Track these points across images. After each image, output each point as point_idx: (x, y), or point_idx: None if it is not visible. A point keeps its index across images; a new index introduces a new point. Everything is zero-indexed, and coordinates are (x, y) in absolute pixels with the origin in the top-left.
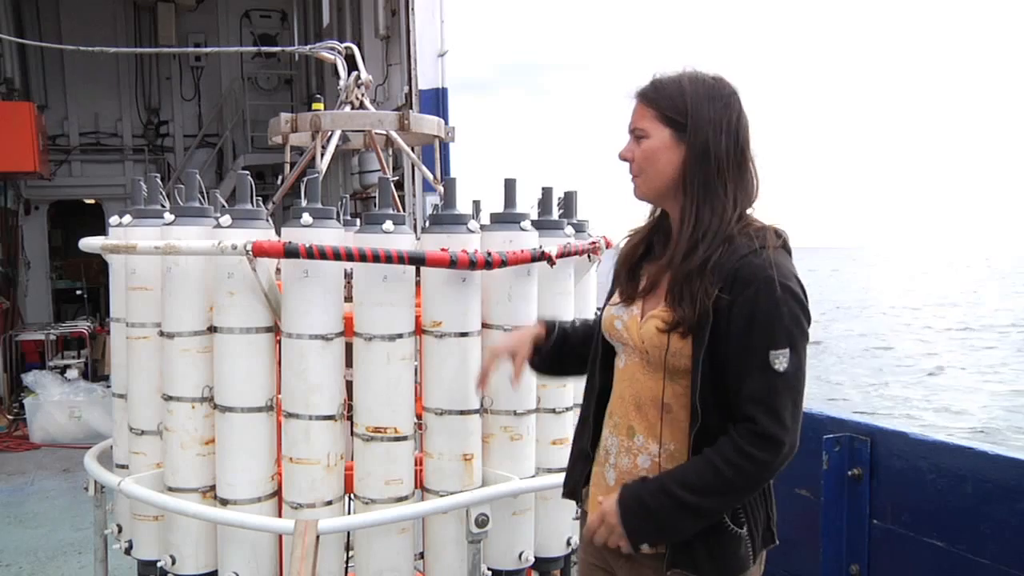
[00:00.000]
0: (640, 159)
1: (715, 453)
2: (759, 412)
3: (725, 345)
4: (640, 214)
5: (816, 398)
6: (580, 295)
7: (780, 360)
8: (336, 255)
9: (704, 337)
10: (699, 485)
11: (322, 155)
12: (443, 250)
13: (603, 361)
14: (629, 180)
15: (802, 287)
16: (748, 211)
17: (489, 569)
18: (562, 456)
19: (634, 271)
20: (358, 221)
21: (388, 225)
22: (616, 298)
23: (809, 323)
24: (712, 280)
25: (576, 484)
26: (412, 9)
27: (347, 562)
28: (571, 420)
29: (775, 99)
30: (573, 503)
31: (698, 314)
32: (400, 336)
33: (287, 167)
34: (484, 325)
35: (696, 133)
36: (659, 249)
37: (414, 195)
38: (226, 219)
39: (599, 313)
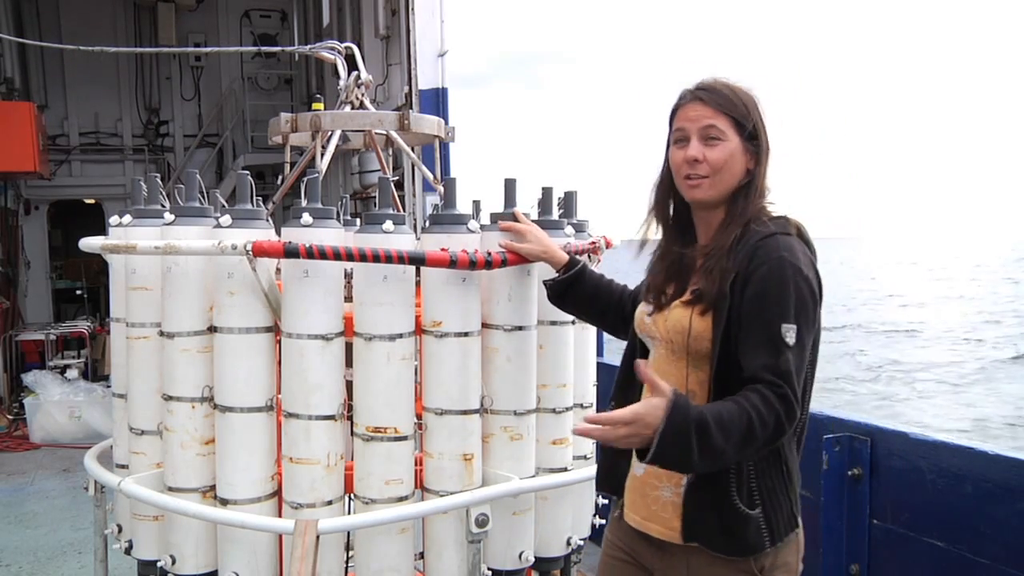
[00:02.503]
0: (716, 162)
1: (750, 405)
2: (776, 378)
3: (739, 321)
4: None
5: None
6: None
7: (790, 334)
8: (336, 255)
9: (723, 315)
10: (734, 433)
11: (322, 155)
12: (443, 250)
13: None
14: (685, 180)
15: (816, 272)
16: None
17: (489, 569)
18: (562, 456)
19: (663, 288)
20: (358, 221)
21: (388, 225)
22: (647, 305)
23: (816, 307)
24: (733, 260)
25: (621, 479)
26: (412, 9)
27: (347, 562)
28: (571, 420)
29: (774, 93)
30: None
31: (717, 290)
32: (400, 336)
33: (287, 167)
34: (484, 325)
35: (765, 146)
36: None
37: (414, 195)
38: (226, 219)
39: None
